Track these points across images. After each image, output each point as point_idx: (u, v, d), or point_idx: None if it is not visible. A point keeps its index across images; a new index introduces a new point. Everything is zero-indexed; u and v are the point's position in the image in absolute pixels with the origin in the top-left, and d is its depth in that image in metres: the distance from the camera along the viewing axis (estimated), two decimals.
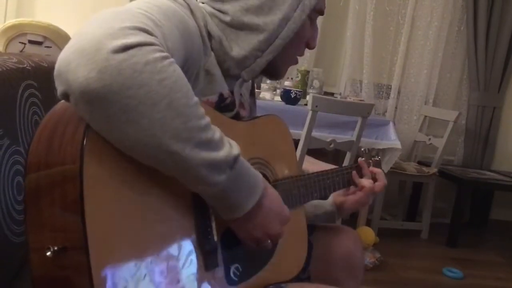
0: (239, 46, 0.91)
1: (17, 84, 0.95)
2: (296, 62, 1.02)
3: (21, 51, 1.97)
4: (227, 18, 0.91)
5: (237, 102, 0.97)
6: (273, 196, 0.86)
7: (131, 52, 0.62)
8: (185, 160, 0.67)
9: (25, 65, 1.01)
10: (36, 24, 1.99)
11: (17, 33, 1.99)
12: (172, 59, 0.67)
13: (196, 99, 0.69)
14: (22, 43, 1.99)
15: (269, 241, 0.86)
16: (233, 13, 0.90)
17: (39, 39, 1.98)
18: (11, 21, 2.02)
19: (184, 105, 0.66)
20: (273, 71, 0.99)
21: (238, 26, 0.91)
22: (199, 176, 0.70)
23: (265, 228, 0.83)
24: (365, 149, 1.34)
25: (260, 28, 0.90)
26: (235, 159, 0.74)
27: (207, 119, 0.70)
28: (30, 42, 1.98)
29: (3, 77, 0.91)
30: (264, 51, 0.92)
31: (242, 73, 0.94)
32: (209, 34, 0.90)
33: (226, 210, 0.78)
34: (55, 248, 0.63)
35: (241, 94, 1.05)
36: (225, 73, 0.94)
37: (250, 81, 1.11)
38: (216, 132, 0.71)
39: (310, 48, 1.02)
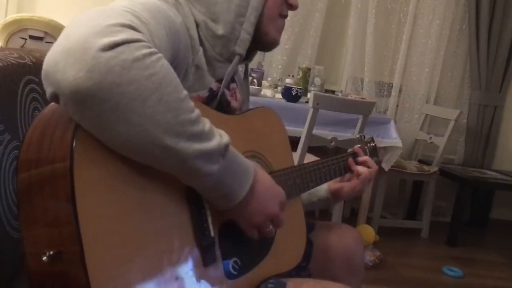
0: (222, 22, 0.93)
1: (18, 79, 0.95)
2: (283, 25, 1.02)
3: (22, 46, 1.97)
4: None
5: (223, 84, 0.96)
6: (265, 179, 0.87)
7: (119, 49, 0.62)
8: (179, 153, 0.68)
9: (26, 60, 1.00)
10: (37, 19, 1.99)
11: (18, 28, 1.99)
12: (160, 54, 0.67)
13: (185, 92, 0.70)
14: (23, 38, 1.99)
15: (271, 227, 0.87)
16: None
17: (40, 34, 1.98)
18: (12, 16, 2.02)
19: (174, 99, 0.67)
20: (263, 37, 0.98)
21: (212, 0, 0.92)
22: (194, 168, 0.70)
23: (263, 210, 0.84)
24: (360, 136, 1.34)
25: None
26: (226, 147, 0.75)
27: (197, 112, 0.71)
28: (31, 37, 1.98)
29: (4, 72, 0.91)
30: (244, 15, 0.93)
31: (235, 48, 0.94)
32: (197, 24, 0.91)
33: (222, 200, 0.79)
34: (51, 252, 0.62)
35: (235, 81, 1.05)
36: (219, 58, 0.95)
37: (244, 67, 1.12)
38: (206, 124, 0.72)
39: (292, 7, 1.01)
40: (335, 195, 1.22)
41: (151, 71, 0.64)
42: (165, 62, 0.67)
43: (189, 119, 0.68)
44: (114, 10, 0.68)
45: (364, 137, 1.34)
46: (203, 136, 0.70)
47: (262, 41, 0.99)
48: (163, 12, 0.79)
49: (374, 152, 1.33)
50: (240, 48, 0.95)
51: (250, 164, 0.82)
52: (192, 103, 0.70)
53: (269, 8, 0.96)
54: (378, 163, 1.31)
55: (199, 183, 0.74)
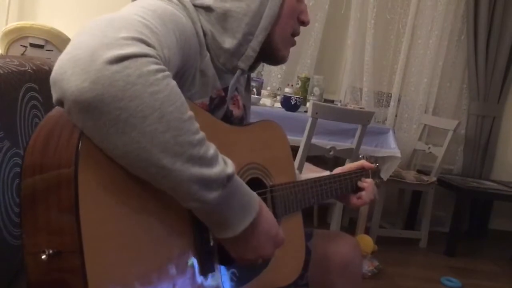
0: (230, 37, 0.92)
1: (18, 87, 0.95)
2: (294, 43, 1.02)
3: (22, 54, 1.97)
4: (212, 11, 0.92)
5: (228, 98, 0.96)
6: (269, 219, 0.84)
7: (125, 63, 0.62)
8: (175, 174, 0.66)
9: (26, 68, 1.01)
10: (37, 27, 2.00)
11: (18, 36, 2.00)
12: (167, 72, 0.66)
13: (190, 113, 0.68)
14: (24, 46, 1.99)
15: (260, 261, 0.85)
16: (215, 3, 0.91)
17: (41, 42, 1.99)
18: (13, 24, 2.02)
19: (176, 119, 0.65)
20: (272, 53, 0.99)
21: (223, 17, 0.92)
22: (189, 192, 0.68)
23: (258, 250, 0.82)
24: (363, 156, 1.35)
25: (243, 10, 0.91)
26: (229, 177, 0.72)
27: (201, 135, 0.69)
28: (32, 45, 1.99)
29: (5, 79, 0.91)
30: (253, 34, 0.93)
31: (238, 63, 0.95)
32: (204, 32, 0.91)
33: (216, 228, 0.76)
34: (50, 251, 0.63)
35: (236, 89, 1.05)
36: (222, 68, 0.95)
37: (246, 76, 1.12)
38: (210, 149, 0.70)
39: (305, 23, 1.01)
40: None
41: (155, 88, 0.64)
42: (170, 81, 0.66)
43: (190, 141, 0.67)
44: (125, 20, 0.67)
45: (368, 158, 1.36)
46: (204, 160, 0.68)
47: (272, 56, 0.99)
48: (175, 18, 0.79)
49: (376, 173, 1.35)
50: (244, 63, 0.95)
51: (256, 199, 0.80)
52: (197, 125, 0.69)
53: (281, 27, 0.96)
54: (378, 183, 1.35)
55: (194, 207, 0.72)
